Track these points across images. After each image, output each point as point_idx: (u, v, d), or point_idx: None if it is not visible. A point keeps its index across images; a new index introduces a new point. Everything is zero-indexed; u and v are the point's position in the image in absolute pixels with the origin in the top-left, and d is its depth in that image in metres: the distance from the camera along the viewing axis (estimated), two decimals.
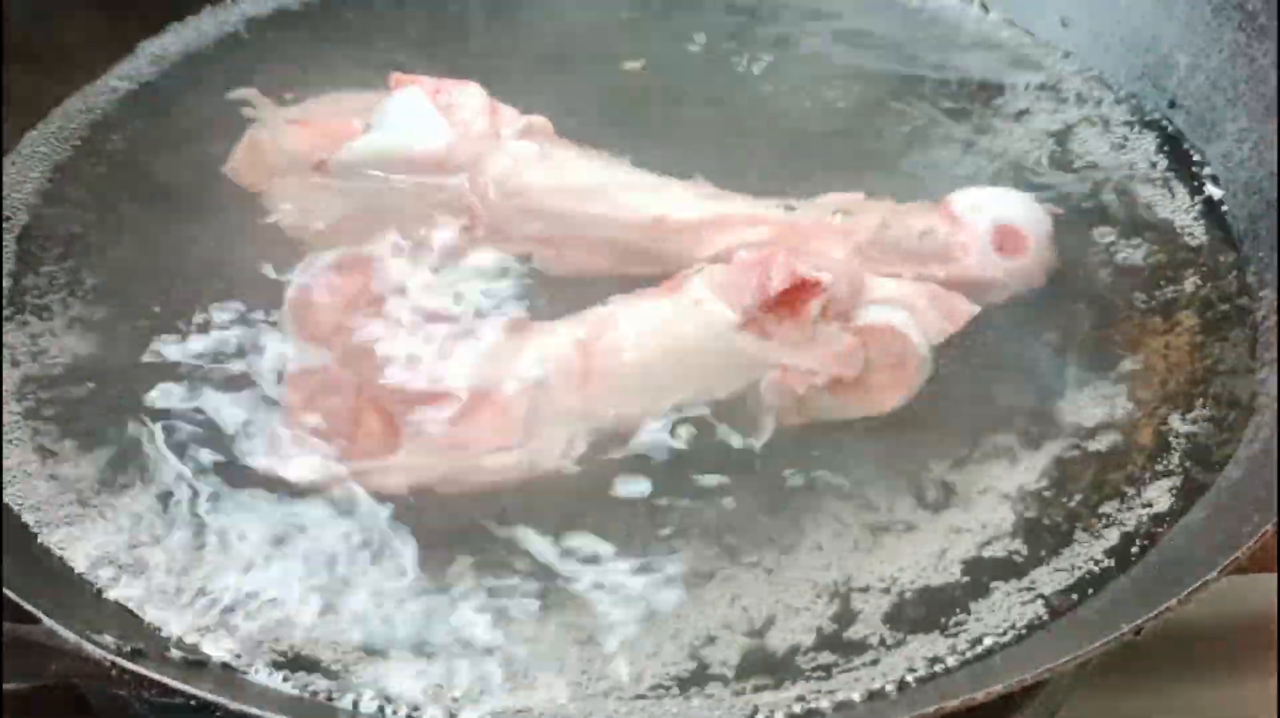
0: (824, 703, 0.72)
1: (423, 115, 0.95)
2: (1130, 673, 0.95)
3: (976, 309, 0.90)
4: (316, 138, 0.96)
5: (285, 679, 0.72)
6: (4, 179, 0.98)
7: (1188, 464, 0.84)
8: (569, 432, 0.82)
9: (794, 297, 0.84)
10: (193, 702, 0.64)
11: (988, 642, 0.75)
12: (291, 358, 0.85)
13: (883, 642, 0.75)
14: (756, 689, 0.73)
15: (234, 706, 0.64)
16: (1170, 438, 0.86)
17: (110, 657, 0.65)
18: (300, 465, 0.80)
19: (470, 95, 0.97)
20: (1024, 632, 0.75)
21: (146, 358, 0.88)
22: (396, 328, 0.86)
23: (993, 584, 0.78)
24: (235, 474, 0.81)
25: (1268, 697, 0.94)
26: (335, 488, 0.80)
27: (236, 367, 0.87)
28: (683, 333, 0.85)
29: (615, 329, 0.84)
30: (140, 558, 0.77)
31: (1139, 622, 0.67)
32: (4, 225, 0.96)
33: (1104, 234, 0.98)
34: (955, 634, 0.75)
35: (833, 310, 0.86)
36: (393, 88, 0.98)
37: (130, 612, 0.74)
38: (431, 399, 0.82)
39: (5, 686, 0.62)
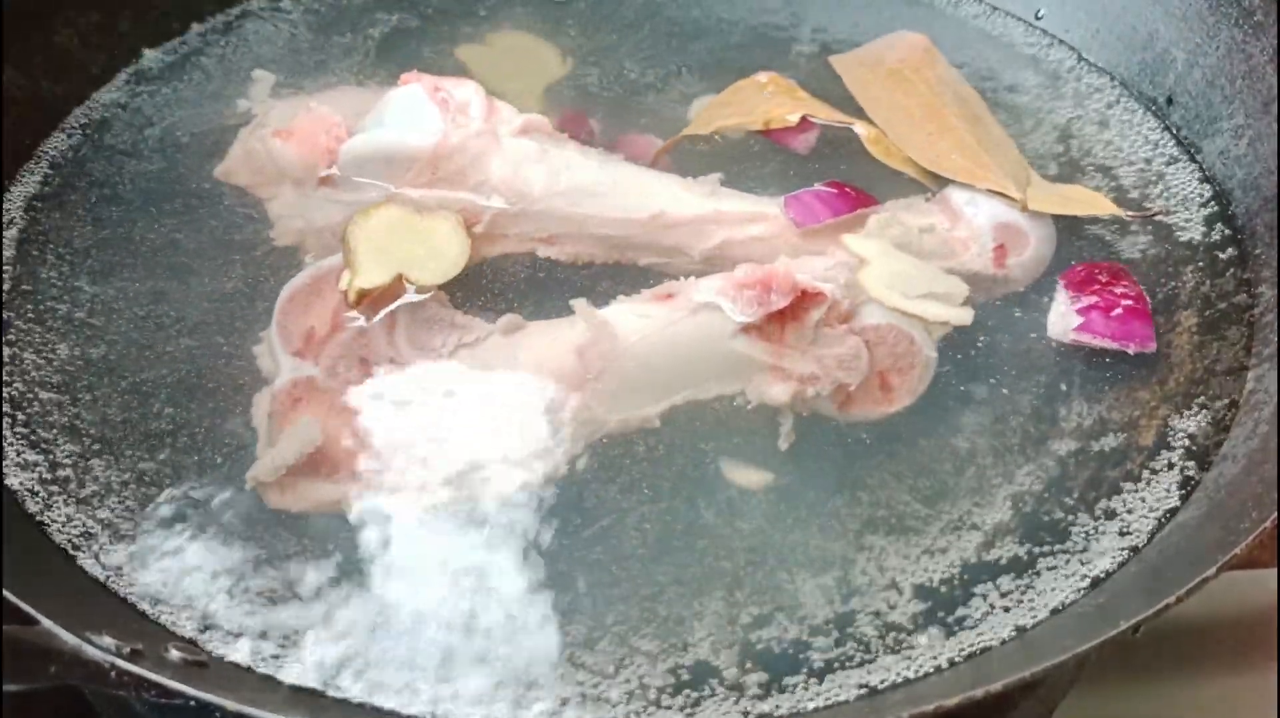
0: (824, 701, 0.72)
1: (421, 112, 0.95)
2: (1130, 670, 0.96)
3: (973, 308, 0.90)
4: (302, 147, 0.95)
5: (285, 679, 0.72)
6: (3, 182, 0.98)
7: (1186, 461, 0.84)
8: (567, 434, 0.82)
9: (795, 305, 0.84)
10: (193, 702, 0.64)
11: (987, 639, 0.75)
12: (280, 372, 0.84)
13: (882, 640, 0.75)
14: (757, 687, 0.73)
15: (233, 706, 0.64)
16: (1169, 435, 0.86)
17: (110, 658, 0.65)
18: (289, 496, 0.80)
19: (469, 93, 0.96)
20: (1023, 629, 0.76)
21: (146, 359, 0.88)
22: (390, 337, 0.85)
23: (992, 582, 0.78)
24: (239, 481, 0.81)
25: (1267, 693, 0.94)
26: (334, 508, 0.80)
27: (234, 374, 0.87)
28: (682, 336, 0.84)
29: (614, 332, 0.84)
30: (141, 559, 0.77)
31: (1138, 619, 0.67)
32: (3, 229, 0.96)
33: (1102, 231, 0.98)
34: (954, 632, 0.76)
35: (834, 313, 0.85)
36: (401, 85, 0.98)
37: (130, 612, 0.75)
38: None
39: (5, 686, 0.62)
